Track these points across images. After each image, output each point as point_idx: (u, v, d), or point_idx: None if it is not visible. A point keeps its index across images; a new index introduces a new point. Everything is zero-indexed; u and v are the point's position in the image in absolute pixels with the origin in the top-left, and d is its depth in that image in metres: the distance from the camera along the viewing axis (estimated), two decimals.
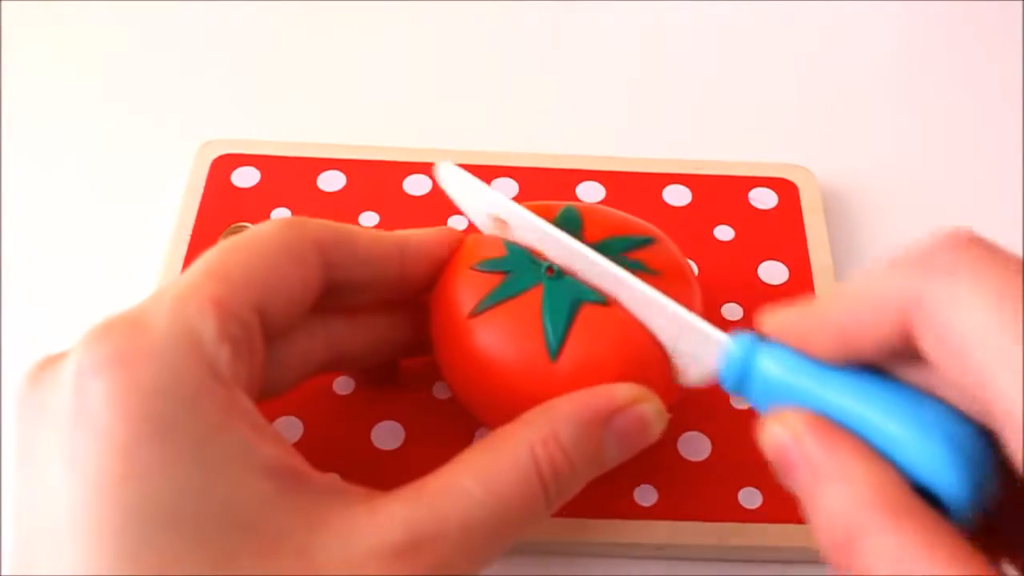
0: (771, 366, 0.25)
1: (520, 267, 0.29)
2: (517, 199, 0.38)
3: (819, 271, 0.37)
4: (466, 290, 0.29)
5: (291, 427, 0.33)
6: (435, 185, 0.39)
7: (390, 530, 0.23)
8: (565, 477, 0.26)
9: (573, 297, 0.28)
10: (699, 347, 0.27)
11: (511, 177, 0.39)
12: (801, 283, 0.36)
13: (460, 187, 0.32)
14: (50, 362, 0.24)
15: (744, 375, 0.26)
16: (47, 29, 0.47)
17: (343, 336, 0.30)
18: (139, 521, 0.22)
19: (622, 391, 0.27)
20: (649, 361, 0.28)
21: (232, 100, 0.44)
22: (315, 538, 0.23)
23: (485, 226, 0.31)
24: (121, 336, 0.23)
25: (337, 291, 0.29)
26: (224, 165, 0.39)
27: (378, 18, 0.48)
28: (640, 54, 0.47)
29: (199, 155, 0.40)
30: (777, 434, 0.24)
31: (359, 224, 0.38)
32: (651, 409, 0.27)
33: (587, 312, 0.28)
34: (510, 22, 0.48)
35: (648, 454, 0.32)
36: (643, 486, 0.32)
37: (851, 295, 0.23)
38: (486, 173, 0.39)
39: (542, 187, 0.39)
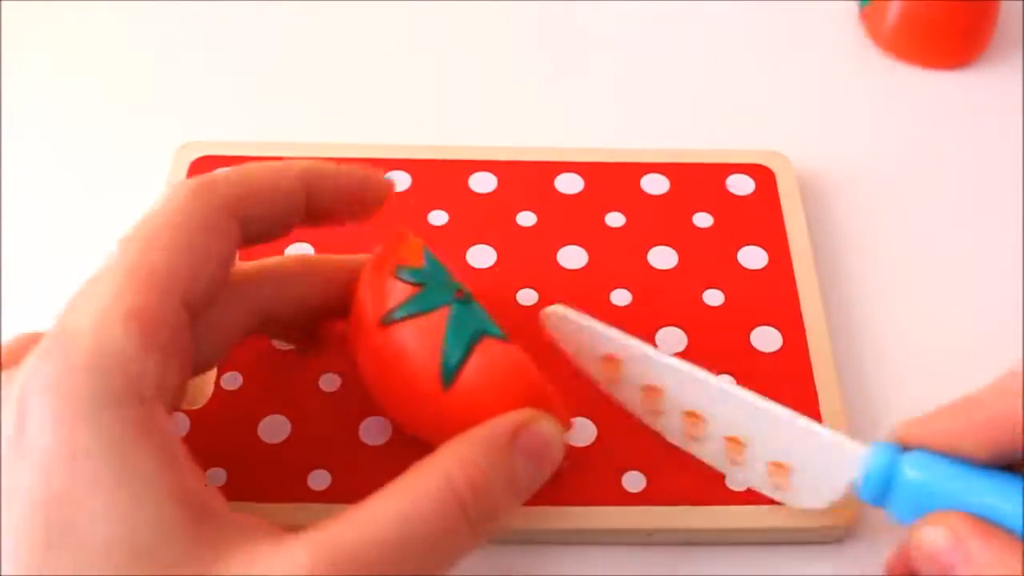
0: (915, 473, 0.26)
1: (435, 283, 0.29)
2: (497, 192, 0.39)
3: (798, 255, 0.37)
4: (380, 295, 0.29)
5: (280, 426, 0.33)
6: (414, 181, 0.39)
7: (298, 557, 0.23)
8: (484, 496, 0.25)
9: (476, 327, 0.28)
10: (828, 461, 0.27)
11: (490, 171, 0.39)
12: (781, 267, 0.37)
13: (571, 331, 0.32)
14: (7, 379, 0.25)
15: (887, 485, 0.26)
16: (22, 33, 0.46)
17: (270, 299, 0.31)
18: (50, 542, 0.22)
19: (520, 413, 0.27)
20: (539, 403, 0.28)
21: (210, 102, 0.44)
22: (217, 567, 0.23)
23: (597, 372, 0.32)
24: (56, 359, 0.24)
25: (246, 235, 0.29)
26: (202, 167, 0.39)
27: (355, 17, 0.48)
28: (616, 46, 0.47)
29: (177, 157, 0.40)
30: (935, 538, 0.25)
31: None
32: (549, 427, 0.27)
33: (487, 344, 0.28)
34: (487, 18, 0.48)
35: (635, 440, 0.33)
36: (631, 472, 0.32)
37: (999, 393, 0.25)
38: (466, 167, 0.39)
39: (521, 180, 0.39)
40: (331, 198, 0.30)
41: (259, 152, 0.40)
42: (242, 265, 0.30)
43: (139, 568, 0.22)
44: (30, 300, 0.37)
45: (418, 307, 0.29)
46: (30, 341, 0.27)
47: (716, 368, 0.34)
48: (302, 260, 0.32)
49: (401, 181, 0.39)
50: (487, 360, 0.28)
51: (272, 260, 0.31)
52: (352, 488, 0.31)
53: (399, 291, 0.29)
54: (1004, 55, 0.47)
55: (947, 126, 0.44)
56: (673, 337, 0.35)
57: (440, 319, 0.28)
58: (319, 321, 0.33)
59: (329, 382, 0.34)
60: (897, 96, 0.45)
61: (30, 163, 0.41)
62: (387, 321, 0.29)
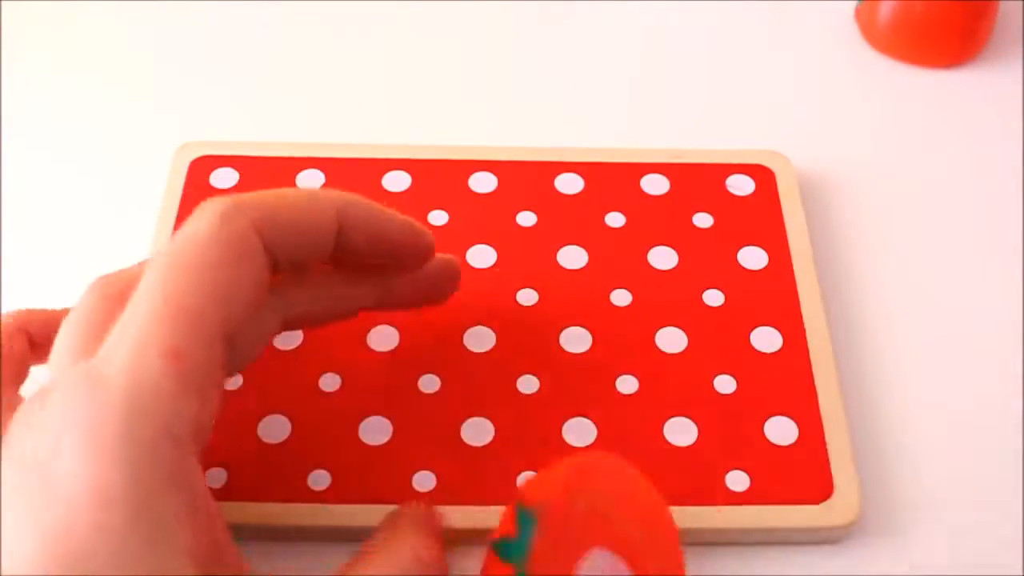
0: None
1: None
2: (497, 192, 0.39)
3: (798, 255, 0.37)
4: None
5: (280, 425, 0.33)
6: (414, 181, 0.39)
7: None
8: (440, 570, 0.28)
9: None
10: None
11: (490, 171, 0.39)
12: (781, 268, 0.37)
13: None
14: (39, 399, 0.24)
15: None
16: (22, 33, 0.46)
17: (299, 304, 0.30)
18: None
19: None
20: None
21: (210, 102, 0.44)
22: None
23: None
24: (90, 395, 0.23)
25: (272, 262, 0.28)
26: (202, 167, 0.39)
27: (355, 17, 0.48)
28: (616, 47, 0.47)
29: (176, 157, 0.40)
30: None
31: None
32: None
33: None
34: (487, 18, 0.48)
35: (635, 440, 0.33)
36: None
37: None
38: (466, 168, 0.39)
39: (521, 180, 0.39)
40: (365, 240, 0.29)
41: (259, 152, 0.40)
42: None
43: None
44: (30, 300, 0.37)
45: None
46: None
47: (716, 368, 0.34)
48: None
49: (401, 181, 0.39)
50: None
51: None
52: (352, 488, 0.32)
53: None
54: (1005, 53, 0.47)
55: (948, 125, 0.44)
56: (673, 337, 0.35)
57: None
58: (352, 315, 0.32)
59: (329, 382, 0.34)
60: (898, 96, 0.45)
61: (30, 163, 0.42)
62: None
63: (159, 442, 0.23)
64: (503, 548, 0.27)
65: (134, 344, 0.24)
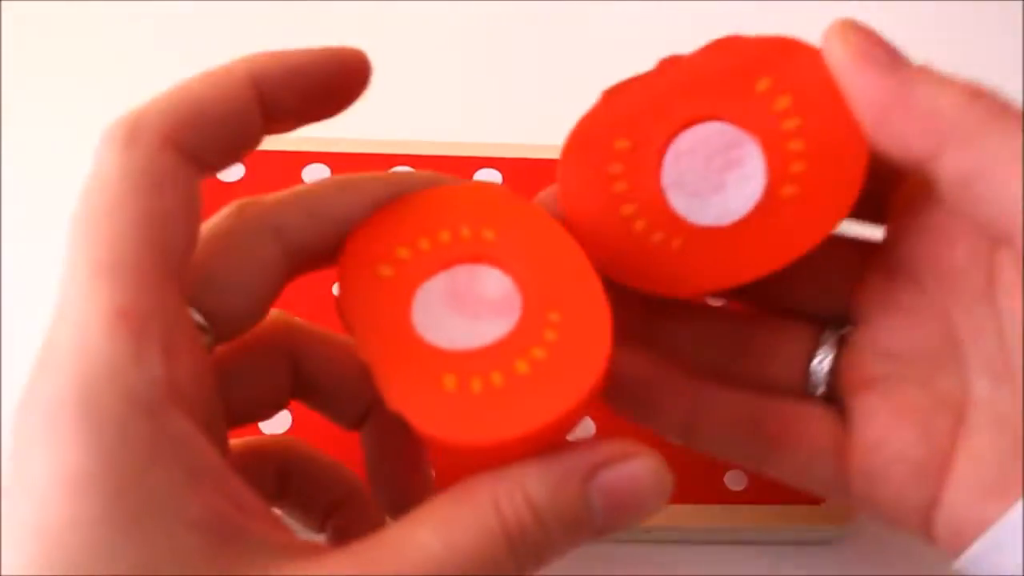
0: None
1: None
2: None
3: None
4: None
5: (279, 417, 0.33)
6: None
7: None
8: (535, 537, 0.22)
9: None
10: None
11: (495, 168, 0.39)
12: None
13: None
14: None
15: None
16: (22, 33, 0.47)
17: (303, 228, 0.26)
18: None
19: (609, 444, 0.23)
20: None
21: None
22: None
23: None
24: (44, 378, 0.20)
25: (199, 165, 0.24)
26: None
27: (355, 16, 0.48)
28: (620, 42, 0.47)
29: None
30: None
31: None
32: (645, 466, 0.22)
33: None
34: (488, 13, 0.48)
35: (634, 439, 0.33)
36: None
37: None
38: (470, 164, 0.40)
39: (526, 177, 0.39)
40: (292, 95, 0.25)
41: (264, 146, 0.39)
42: (264, 197, 0.26)
43: None
44: (30, 301, 0.37)
45: None
46: None
47: None
48: (331, 181, 0.27)
49: None
50: None
51: (297, 187, 0.27)
52: None
53: None
54: None
55: None
56: None
57: None
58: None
59: None
60: None
61: (30, 162, 0.42)
62: None
63: (126, 416, 0.20)
64: None
65: (75, 314, 0.21)
